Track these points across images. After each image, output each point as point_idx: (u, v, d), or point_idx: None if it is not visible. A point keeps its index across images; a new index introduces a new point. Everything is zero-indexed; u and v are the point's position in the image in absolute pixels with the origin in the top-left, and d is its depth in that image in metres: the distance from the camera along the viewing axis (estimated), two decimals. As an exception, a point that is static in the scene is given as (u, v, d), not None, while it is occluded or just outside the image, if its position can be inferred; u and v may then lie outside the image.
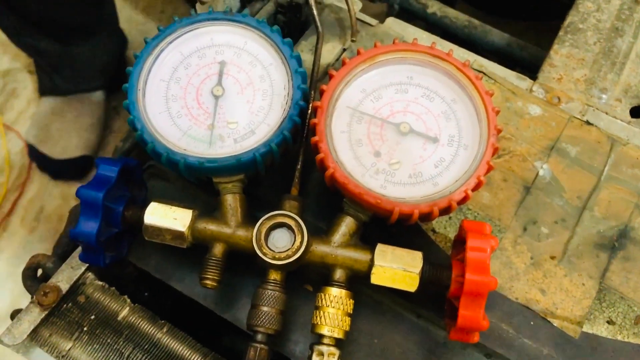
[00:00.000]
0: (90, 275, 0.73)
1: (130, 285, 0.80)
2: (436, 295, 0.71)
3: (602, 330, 0.71)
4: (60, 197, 1.86)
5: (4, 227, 1.79)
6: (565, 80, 0.90)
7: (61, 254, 0.78)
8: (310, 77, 0.78)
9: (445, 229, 0.77)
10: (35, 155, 1.82)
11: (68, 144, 1.81)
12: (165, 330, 0.71)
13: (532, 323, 0.71)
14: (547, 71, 0.90)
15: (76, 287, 0.73)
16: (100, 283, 0.73)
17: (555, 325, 0.71)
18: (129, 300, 0.72)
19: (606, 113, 0.87)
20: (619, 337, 0.71)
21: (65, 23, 1.63)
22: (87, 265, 0.73)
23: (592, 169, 0.81)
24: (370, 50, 0.70)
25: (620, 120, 0.86)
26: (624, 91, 0.89)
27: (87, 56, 1.73)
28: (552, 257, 0.75)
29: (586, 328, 0.71)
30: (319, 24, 0.83)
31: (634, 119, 0.86)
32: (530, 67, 1.06)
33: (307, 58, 0.87)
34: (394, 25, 0.93)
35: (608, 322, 0.72)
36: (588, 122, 0.85)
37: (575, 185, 0.80)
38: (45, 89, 1.84)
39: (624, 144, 0.83)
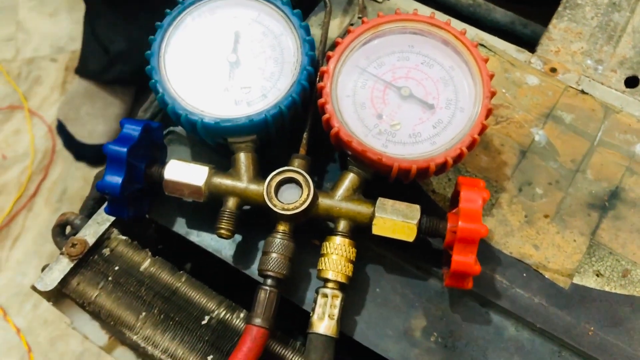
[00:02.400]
0: (114, 230, 0.80)
1: (150, 247, 0.86)
2: (434, 250, 0.77)
3: (590, 282, 0.76)
4: (82, 180, 1.94)
5: (29, 208, 1.87)
6: (563, 53, 0.94)
7: (88, 215, 0.85)
8: (320, 50, 0.84)
9: (444, 189, 0.82)
10: (62, 133, 1.91)
11: (94, 129, 1.89)
12: (183, 280, 0.77)
13: (524, 275, 0.76)
14: (545, 44, 0.95)
15: (102, 240, 0.79)
16: (124, 237, 0.80)
17: (546, 277, 0.76)
18: (149, 253, 0.79)
19: (601, 83, 0.91)
20: (607, 288, 0.76)
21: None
22: (112, 221, 0.80)
23: (586, 135, 0.86)
24: (373, 19, 0.76)
25: (614, 89, 0.90)
26: (620, 63, 0.93)
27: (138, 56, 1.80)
28: (546, 216, 0.80)
29: (576, 280, 0.76)
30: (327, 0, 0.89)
31: (628, 89, 0.91)
32: (533, 44, 1.10)
33: (316, 32, 0.93)
34: (400, 1, 0.99)
35: (597, 275, 0.77)
36: (583, 92, 0.90)
37: (569, 150, 0.85)
38: (84, 72, 1.90)
39: (618, 112, 0.88)
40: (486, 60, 0.74)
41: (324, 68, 0.74)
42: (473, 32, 0.95)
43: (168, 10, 0.78)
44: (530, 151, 0.85)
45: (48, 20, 2.20)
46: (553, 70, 0.92)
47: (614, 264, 0.78)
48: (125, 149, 0.71)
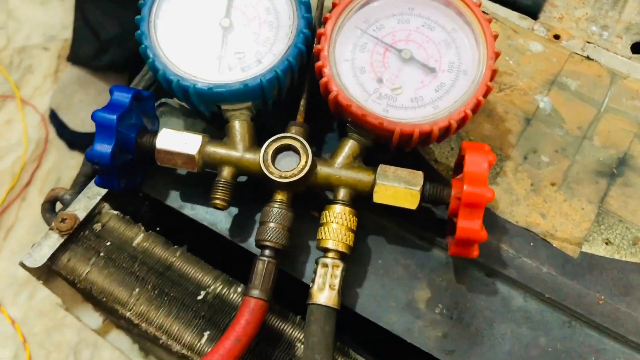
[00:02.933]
0: (106, 205, 0.77)
1: (144, 225, 0.84)
2: (437, 219, 0.74)
3: (600, 250, 0.74)
4: (76, 168, 1.88)
5: (23, 198, 1.84)
6: (567, 19, 0.91)
7: (78, 191, 0.82)
8: (316, 13, 0.80)
9: (447, 159, 0.79)
10: (55, 122, 1.88)
11: (88, 117, 1.86)
12: (178, 254, 0.74)
13: (532, 244, 0.74)
14: (548, 11, 0.92)
15: (92, 215, 0.76)
16: (115, 212, 0.77)
17: (554, 245, 0.74)
18: (142, 228, 0.76)
19: (607, 49, 0.88)
20: (617, 257, 0.73)
21: None
22: (103, 194, 0.77)
23: (592, 101, 0.83)
24: (372, -20, 0.73)
25: (621, 55, 0.88)
26: (625, 28, 0.90)
27: (131, 42, 1.77)
28: (552, 184, 0.78)
29: (585, 248, 0.74)
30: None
31: (635, 55, 0.88)
32: (533, 14, 1.07)
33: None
34: (398, -30, 0.96)
35: (606, 243, 0.74)
36: (589, 58, 0.87)
37: (575, 117, 0.82)
38: (76, 59, 1.87)
39: (624, 78, 0.85)
40: (490, 20, 0.71)
41: (321, 30, 0.71)
42: None
43: (157, -25, 0.75)
44: (535, 118, 0.82)
45: (39, 9, 2.17)
46: (557, 37, 0.90)
47: (624, 231, 0.75)
48: (114, 116, 0.68)
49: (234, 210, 0.76)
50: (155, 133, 0.72)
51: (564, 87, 0.84)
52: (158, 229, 0.84)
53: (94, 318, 0.90)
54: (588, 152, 0.80)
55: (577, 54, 0.87)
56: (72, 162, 1.91)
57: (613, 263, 0.73)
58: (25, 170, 1.88)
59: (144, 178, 0.78)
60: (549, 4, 0.93)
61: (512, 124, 0.82)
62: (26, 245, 1.76)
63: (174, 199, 0.77)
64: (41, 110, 1.97)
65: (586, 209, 0.76)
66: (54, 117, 1.89)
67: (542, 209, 0.76)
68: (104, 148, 0.68)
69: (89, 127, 1.86)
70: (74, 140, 1.89)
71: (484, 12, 0.87)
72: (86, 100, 1.87)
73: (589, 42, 0.89)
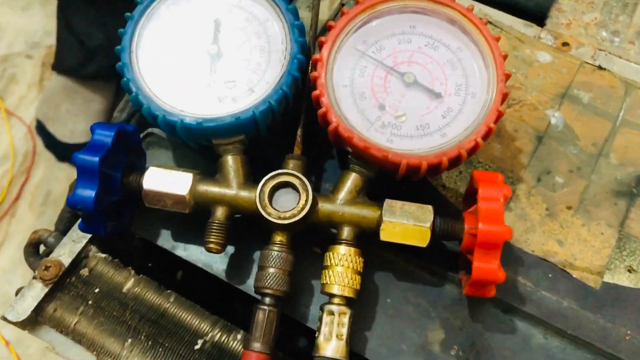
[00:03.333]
0: (92, 247, 0.72)
1: (137, 258, 0.78)
2: (449, 252, 0.69)
3: (623, 279, 0.69)
4: (67, 181, 1.85)
5: (12, 213, 1.79)
6: (575, 25, 0.86)
7: (63, 230, 0.76)
8: (310, 36, 0.75)
9: (455, 183, 0.74)
10: (42, 133, 1.82)
11: (76, 127, 1.81)
12: (172, 300, 0.69)
13: (550, 275, 0.69)
14: (555, 17, 0.87)
15: (79, 260, 0.71)
16: (103, 255, 0.72)
17: (574, 276, 0.69)
18: (133, 272, 0.71)
19: (619, 57, 0.83)
20: (641, 285, 0.69)
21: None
22: (89, 237, 0.72)
23: (607, 115, 0.78)
24: (369, -1, 0.68)
25: (634, 63, 0.82)
26: (638, 33, 0.85)
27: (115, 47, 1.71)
28: (569, 207, 0.73)
29: (607, 278, 0.69)
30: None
31: (648, 62, 0.83)
32: (538, 17, 1.02)
33: (305, 15, 0.84)
34: (394, -23, 0.90)
35: (629, 271, 0.69)
36: (600, 67, 0.82)
37: (589, 132, 0.77)
38: (61, 68, 1.81)
39: (639, 87, 0.80)
40: (498, 39, 0.66)
41: (316, 56, 0.65)
42: (476, 8, 0.87)
43: (138, 0, 0.69)
44: (547, 136, 0.77)
45: (21, 15, 2.10)
46: (565, 44, 0.84)
47: (647, 257, 0.70)
48: (96, 158, 0.62)
49: (230, 249, 0.71)
50: (142, 170, 0.67)
51: (576, 101, 0.79)
52: (150, 264, 0.80)
53: (87, 357, 0.85)
54: (605, 171, 0.75)
55: (588, 63, 0.82)
56: (62, 175, 1.85)
57: (638, 293, 0.68)
58: (14, 184, 1.82)
59: (132, 217, 0.72)
60: (556, 9, 0.88)
61: (522, 143, 0.77)
62: (18, 263, 1.71)
63: (165, 239, 0.72)
64: (27, 121, 1.90)
65: (606, 234, 0.71)
66: (40, 128, 1.84)
67: (559, 235, 0.71)
68: (86, 193, 0.62)
69: (78, 137, 1.81)
70: (63, 151, 1.84)
71: (488, 21, 0.82)
72: (73, 110, 1.81)
73: (600, 50, 0.84)
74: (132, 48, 0.67)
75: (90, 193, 0.62)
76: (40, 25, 2.07)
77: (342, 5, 0.85)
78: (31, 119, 1.89)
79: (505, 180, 0.74)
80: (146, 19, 0.69)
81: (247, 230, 0.69)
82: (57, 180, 1.84)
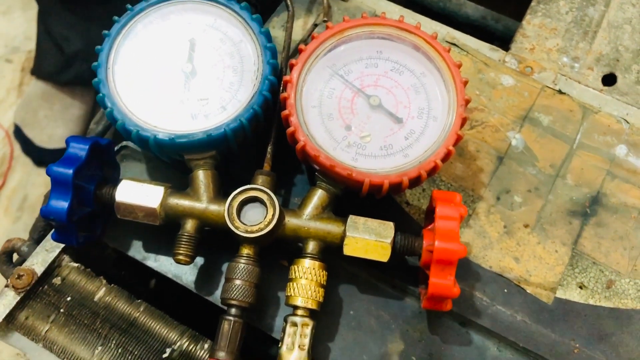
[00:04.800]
0: (65, 257, 0.74)
1: (110, 267, 0.81)
2: (410, 266, 0.72)
3: (574, 295, 0.72)
4: (44, 186, 1.85)
5: (-13, 218, 1.79)
6: (538, 50, 0.90)
7: (38, 238, 0.78)
8: (283, 57, 0.78)
9: (419, 201, 0.77)
10: (20, 138, 1.82)
11: (54, 133, 1.81)
12: (142, 309, 0.71)
13: (505, 290, 0.72)
14: (519, 42, 0.91)
15: (51, 269, 0.73)
16: (76, 265, 0.74)
17: (528, 292, 0.72)
18: (104, 281, 0.73)
19: (578, 82, 0.87)
20: (591, 302, 0.72)
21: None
22: (62, 247, 0.73)
23: (565, 138, 0.82)
24: (339, 24, 0.71)
25: (592, 88, 0.86)
26: (596, 60, 0.89)
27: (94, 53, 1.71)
28: (526, 226, 0.76)
29: (559, 294, 0.72)
30: (289, 2, 0.83)
31: (605, 87, 0.87)
32: (506, 40, 1.06)
33: (279, 34, 0.87)
34: (366, 0, 0.93)
35: (580, 287, 0.73)
36: (560, 91, 0.86)
37: (548, 154, 0.81)
38: (40, 73, 1.81)
39: (596, 112, 0.84)
40: (459, 66, 0.69)
41: (287, 77, 0.68)
42: (444, 31, 0.90)
43: (116, 18, 0.71)
44: (508, 157, 0.80)
45: (1, 19, 2.10)
46: (528, 69, 0.88)
47: (598, 274, 0.74)
48: (70, 171, 0.65)
49: (199, 260, 0.73)
50: (115, 183, 0.69)
51: (536, 123, 0.83)
52: (123, 273, 0.82)
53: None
54: (561, 191, 0.79)
55: (548, 87, 0.86)
56: (39, 180, 1.86)
57: (587, 309, 0.72)
58: (-10, 189, 1.82)
59: (104, 228, 0.74)
60: (520, 34, 0.92)
61: (484, 163, 0.80)
62: (-9, 268, 1.71)
63: (136, 250, 0.74)
64: (5, 126, 1.91)
65: (560, 252, 0.75)
66: (18, 133, 1.84)
67: (515, 252, 0.75)
68: (59, 204, 0.65)
69: (56, 142, 1.81)
70: (40, 156, 1.84)
71: (454, 44, 0.85)
72: (51, 115, 1.82)
73: (560, 74, 0.88)
74: (109, 64, 0.70)
75: (63, 204, 0.64)
76: (20, 29, 2.08)
77: (315, 26, 0.88)
78: (9, 124, 1.89)
79: (466, 198, 0.77)
80: (123, 36, 0.71)
81: (217, 242, 0.71)
82: (33, 185, 1.85)
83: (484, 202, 0.78)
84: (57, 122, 1.82)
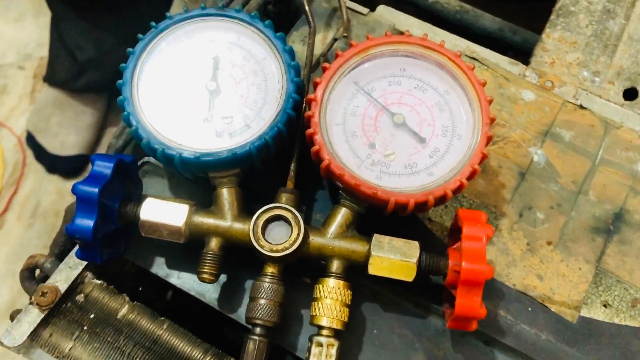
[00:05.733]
0: (88, 274, 0.74)
1: (130, 281, 0.81)
2: (433, 285, 0.72)
3: (599, 313, 0.72)
4: (56, 193, 1.86)
5: (0, 225, 1.79)
6: (558, 64, 0.90)
7: (59, 254, 0.78)
8: (305, 73, 0.78)
9: (441, 217, 0.77)
10: (32, 145, 1.83)
11: (66, 140, 1.82)
12: (165, 327, 0.71)
13: (529, 309, 0.72)
14: (539, 55, 0.91)
15: (75, 286, 0.73)
16: (99, 282, 0.73)
17: (552, 310, 0.72)
18: (127, 298, 0.73)
19: (599, 96, 0.87)
20: (616, 320, 0.72)
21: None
22: (85, 264, 0.73)
23: (587, 153, 0.82)
24: (362, 42, 0.71)
25: (613, 103, 0.86)
26: (617, 74, 0.89)
27: (109, 63, 1.71)
28: (549, 243, 0.76)
29: (583, 312, 0.72)
30: (311, 19, 0.83)
31: (627, 102, 0.87)
32: (523, 51, 1.06)
33: (299, 49, 0.87)
34: (385, 13, 0.93)
35: (605, 306, 0.73)
36: (581, 106, 0.85)
37: (570, 170, 0.81)
38: (53, 80, 1.82)
39: (618, 127, 0.84)
40: (484, 84, 0.69)
41: (311, 96, 0.68)
42: (464, 45, 0.90)
43: (140, 36, 0.72)
44: (530, 172, 0.80)
45: (13, 26, 2.11)
46: (549, 83, 0.88)
47: (622, 293, 0.73)
48: (96, 190, 0.65)
49: (222, 277, 0.73)
50: (138, 200, 0.69)
51: (557, 139, 0.83)
52: (142, 288, 0.82)
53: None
54: (584, 208, 0.78)
55: (570, 102, 0.86)
56: (51, 187, 1.86)
57: (612, 328, 0.71)
58: (2, 196, 1.83)
59: (127, 245, 0.74)
60: (540, 48, 0.91)
61: (506, 179, 0.80)
62: (6, 275, 1.72)
63: (159, 267, 0.74)
64: (18, 133, 1.92)
65: (584, 269, 0.75)
66: (31, 140, 1.85)
67: (539, 270, 0.74)
68: (85, 223, 0.65)
69: (68, 149, 1.82)
70: (52, 163, 1.85)
71: (474, 58, 0.85)
72: (64, 122, 1.83)
73: (581, 89, 0.87)
74: (133, 82, 0.70)
75: (89, 223, 0.64)
76: (33, 36, 2.08)
77: (335, 40, 0.88)
78: (22, 131, 1.90)
79: (489, 215, 0.77)
80: (147, 54, 0.71)
81: (239, 258, 0.71)
82: (46, 192, 1.85)
83: (507, 218, 0.77)
84: (69, 129, 1.83)
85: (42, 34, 2.04)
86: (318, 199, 0.78)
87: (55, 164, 1.85)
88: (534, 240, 0.76)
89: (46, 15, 1.90)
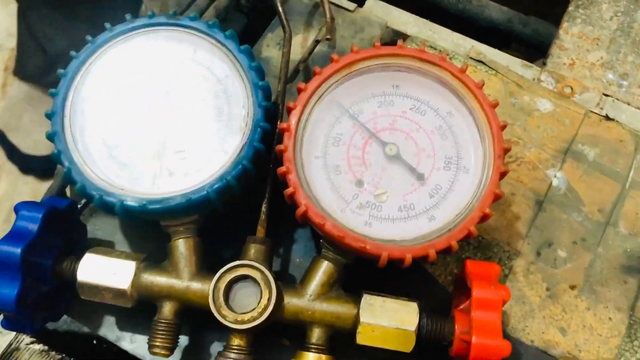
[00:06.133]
0: (24, 338, 0.62)
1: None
2: (439, 349, 0.60)
3: (635, 376, 0.60)
4: (31, 195, 1.74)
5: (-28, 230, 1.67)
6: (579, 66, 0.77)
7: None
8: (281, 86, 0.65)
9: (444, 259, 0.65)
10: (5, 144, 1.71)
11: (40, 139, 1.69)
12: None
13: (551, 373, 0.60)
14: (556, 55, 0.77)
15: (8, 354, 0.61)
16: (37, 347, 0.62)
17: (579, 373, 0.60)
18: (73, 365, 0.61)
19: (628, 104, 0.74)
20: (656, 384, 0.60)
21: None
22: (20, 326, 0.61)
23: (615, 175, 0.69)
24: (346, 56, 0.57)
25: (645, 112, 0.73)
26: (648, 76, 0.76)
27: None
28: (572, 287, 0.64)
29: (616, 375, 0.60)
30: (285, 23, 0.69)
31: (661, 110, 0.74)
32: (535, 45, 0.93)
33: (275, 55, 0.74)
34: (376, 8, 0.80)
35: (642, 366, 0.61)
36: (607, 117, 0.73)
37: (595, 196, 0.68)
38: (23, 74, 1.70)
39: (652, 142, 0.71)
40: (495, 105, 0.56)
41: (283, 125, 0.55)
42: (468, 45, 0.77)
43: (74, 53, 0.59)
44: (548, 200, 0.68)
45: (-18, 15, 1.97)
46: (568, 88, 0.75)
47: (662, 348, 0.61)
48: (18, 250, 0.52)
49: (184, 340, 0.61)
50: (78, 255, 0.57)
51: (580, 158, 0.70)
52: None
53: None
54: (613, 242, 0.66)
55: (593, 112, 0.73)
56: (25, 189, 1.74)
57: (652, 394, 0.60)
58: (-26, 199, 1.71)
59: (70, 302, 0.62)
60: (557, 46, 0.78)
61: (521, 209, 0.67)
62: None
63: (108, 329, 0.62)
64: (-6, 120, 1.79)
65: (615, 319, 0.62)
66: (2, 139, 1.72)
67: (561, 321, 0.62)
68: (6, 292, 0.52)
69: (43, 149, 1.70)
70: (27, 163, 1.73)
71: (480, 61, 0.72)
72: (37, 120, 1.71)
73: (606, 95, 0.74)
74: (65, 112, 0.57)
75: (10, 292, 0.52)
76: (2, 26, 1.94)
77: (317, 42, 0.74)
78: (-8, 128, 1.77)
79: (501, 254, 0.65)
80: (82, 75, 0.58)
81: (206, 317, 0.59)
82: (20, 194, 1.73)
83: (522, 258, 0.65)
84: (42, 127, 1.70)
85: (13, 22, 1.90)
86: (298, 238, 0.66)
87: (30, 164, 1.74)
88: (554, 284, 0.64)
89: (15, 3, 1.76)
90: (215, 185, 0.54)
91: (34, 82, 1.70)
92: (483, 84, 0.57)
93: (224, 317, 0.53)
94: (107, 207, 0.55)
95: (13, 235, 0.54)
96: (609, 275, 0.65)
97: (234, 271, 0.54)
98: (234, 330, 0.53)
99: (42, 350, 0.62)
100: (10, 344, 0.61)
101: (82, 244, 0.62)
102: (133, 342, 0.62)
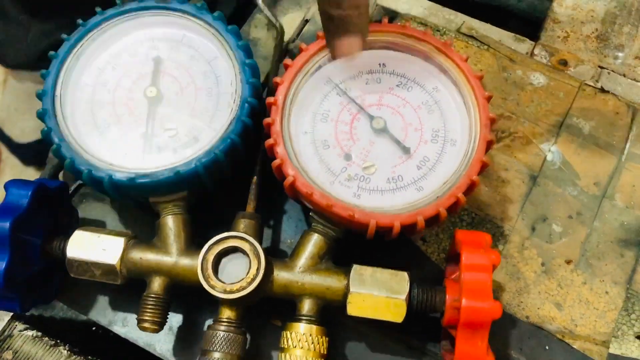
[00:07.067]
0: (17, 324, 0.66)
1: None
2: (429, 319, 0.65)
3: (632, 348, 0.65)
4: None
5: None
6: (573, 39, 0.81)
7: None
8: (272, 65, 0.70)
9: (437, 236, 0.69)
10: (2, 137, 1.77)
11: (25, 126, 1.75)
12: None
13: (547, 347, 0.64)
14: (550, 29, 0.82)
15: (1, 340, 0.66)
16: (30, 333, 0.66)
17: (575, 347, 0.64)
18: (65, 352, 0.66)
19: (624, 75, 0.79)
20: (653, 355, 0.64)
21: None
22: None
23: (611, 147, 0.74)
24: (331, 31, 0.62)
25: (641, 84, 0.78)
26: (645, 49, 0.81)
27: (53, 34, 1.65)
28: (568, 262, 0.68)
29: (613, 348, 0.64)
30: (275, 21, 0.75)
31: (658, 82, 0.78)
32: (531, 20, 0.97)
33: (262, 36, 0.79)
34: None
35: (639, 338, 0.65)
36: (603, 89, 0.77)
37: (591, 169, 0.73)
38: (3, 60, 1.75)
39: (648, 115, 0.76)
40: (480, 78, 0.61)
41: (270, 99, 0.60)
42: (459, 20, 0.82)
43: (65, 36, 0.64)
44: (542, 175, 0.72)
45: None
46: (562, 62, 0.80)
47: (659, 320, 0.66)
48: (7, 224, 0.57)
49: (176, 321, 0.66)
50: (67, 234, 0.61)
51: (575, 131, 0.75)
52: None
53: None
54: (609, 216, 0.70)
55: (588, 85, 0.77)
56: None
57: (648, 365, 0.64)
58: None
59: (60, 285, 0.67)
60: (551, 19, 0.83)
61: (514, 184, 0.72)
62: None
63: (100, 313, 0.67)
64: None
65: (611, 293, 0.67)
66: (1, 134, 1.78)
67: (557, 296, 0.67)
68: (-6, 266, 0.57)
69: (28, 136, 1.75)
70: (22, 153, 1.78)
71: (472, 37, 0.77)
72: (19, 107, 1.75)
73: (601, 67, 0.79)
74: (56, 92, 0.62)
75: (-1, 265, 0.57)
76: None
77: (306, 22, 0.79)
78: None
79: (494, 230, 0.69)
80: (73, 57, 0.64)
81: (199, 297, 0.64)
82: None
83: (517, 234, 0.70)
84: (24, 113, 1.76)
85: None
86: (288, 219, 0.71)
87: (25, 154, 1.79)
88: (550, 259, 0.68)
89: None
90: (204, 159, 0.59)
91: (9, 67, 1.75)
92: (467, 58, 0.62)
93: (212, 287, 0.57)
94: (96, 182, 0.59)
95: (2, 210, 0.58)
96: (605, 249, 0.69)
97: (222, 243, 0.59)
98: (224, 301, 0.58)
99: (36, 337, 0.67)
100: (3, 331, 0.66)
101: (73, 228, 0.67)
102: (125, 326, 0.66)
